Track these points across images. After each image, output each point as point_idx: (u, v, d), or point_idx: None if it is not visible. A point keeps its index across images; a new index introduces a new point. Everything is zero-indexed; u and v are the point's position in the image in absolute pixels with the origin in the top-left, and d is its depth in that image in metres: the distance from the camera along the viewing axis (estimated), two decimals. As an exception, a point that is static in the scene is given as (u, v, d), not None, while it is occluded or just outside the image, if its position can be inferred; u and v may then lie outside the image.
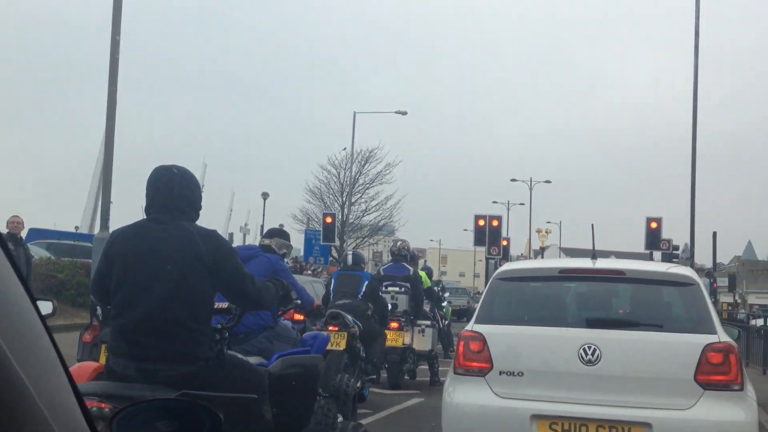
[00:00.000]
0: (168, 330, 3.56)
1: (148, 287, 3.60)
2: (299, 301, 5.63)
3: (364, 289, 9.32)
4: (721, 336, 5.04)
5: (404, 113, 37.84)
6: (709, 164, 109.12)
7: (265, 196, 42.28)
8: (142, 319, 3.57)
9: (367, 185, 43.23)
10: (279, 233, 6.73)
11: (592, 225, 6.07)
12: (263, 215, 41.39)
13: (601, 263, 5.69)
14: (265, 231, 7.10)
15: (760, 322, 20.44)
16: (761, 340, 17.71)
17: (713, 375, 4.90)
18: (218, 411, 1.49)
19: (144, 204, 3.85)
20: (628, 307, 5.84)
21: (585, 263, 5.79)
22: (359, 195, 43.08)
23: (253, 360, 4.36)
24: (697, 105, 23.66)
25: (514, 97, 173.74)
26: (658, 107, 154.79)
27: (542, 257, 42.88)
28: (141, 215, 4.00)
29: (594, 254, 5.81)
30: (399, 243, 12.17)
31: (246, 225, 45.23)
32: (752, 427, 4.90)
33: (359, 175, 42.65)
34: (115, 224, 13.29)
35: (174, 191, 3.75)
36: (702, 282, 5.58)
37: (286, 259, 6.73)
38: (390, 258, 12.28)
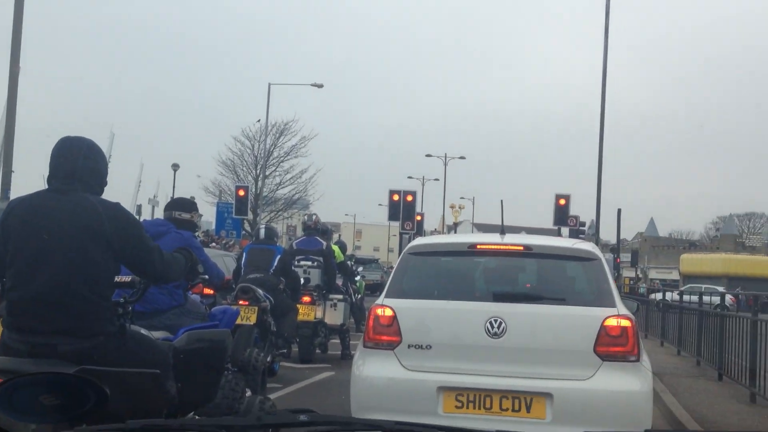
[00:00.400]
0: (65, 303, 3.45)
1: (45, 259, 3.48)
2: (207, 276, 5.54)
3: (276, 263, 9.25)
4: (620, 309, 5.23)
5: (320, 86, 37.53)
6: (615, 143, 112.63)
7: (175, 167, 41.33)
8: (39, 292, 3.44)
9: (282, 158, 42.86)
10: (182, 204, 6.35)
11: (501, 201, 6.18)
12: (173, 187, 40.48)
13: (509, 239, 5.79)
14: (170, 202, 6.70)
15: (659, 296, 21.33)
16: (660, 313, 18.53)
17: (611, 347, 5.08)
18: (110, 386, 1.45)
19: (46, 174, 3.71)
20: (533, 282, 5.97)
21: (493, 239, 5.89)
22: (273, 168, 42.67)
23: (159, 335, 4.27)
24: (606, 85, 24.36)
25: (431, 73, 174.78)
26: (570, 85, 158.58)
27: (455, 232, 43.51)
28: (43, 186, 3.85)
29: (502, 230, 5.91)
30: (314, 217, 12.12)
31: (155, 197, 44.06)
32: (647, 396, 5.13)
33: (274, 148, 42.21)
34: (15, 194, 12.75)
35: (78, 162, 3.64)
36: (604, 257, 5.76)
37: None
38: (303, 232, 12.21)
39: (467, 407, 5.03)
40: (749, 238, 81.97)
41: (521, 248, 5.73)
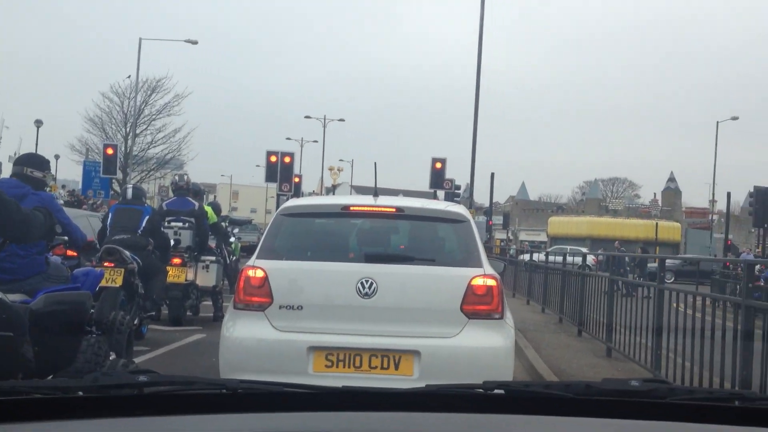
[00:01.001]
0: None
1: None
2: (66, 238, 5.28)
3: (144, 224, 8.95)
4: (487, 269, 5.39)
5: (195, 42, 36.29)
6: (490, 110, 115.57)
7: (38, 123, 39.13)
8: None
9: (154, 116, 41.35)
10: (35, 161, 5.83)
11: (375, 164, 6.19)
12: (36, 144, 38.36)
13: (382, 201, 5.83)
14: (21, 157, 6.14)
15: (527, 257, 22.18)
16: (527, 273, 19.33)
17: (477, 305, 5.25)
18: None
19: None
20: (405, 243, 6.06)
21: (366, 201, 5.91)
22: (145, 126, 41.15)
23: (15, 297, 4.06)
24: (482, 53, 24.86)
25: (311, 34, 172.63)
26: (449, 52, 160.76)
27: (334, 194, 43.56)
28: None
29: (376, 192, 5.95)
30: (185, 177, 11.78)
31: (16, 154, 41.58)
32: (509, 351, 5.34)
33: (145, 106, 40.66)
34: None
35: None
36: (479, 219, 5.90)
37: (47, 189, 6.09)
38: (173, 193, 11.84)
39: (337, 366, 5.08)
40: (612, 202, 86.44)
41: (393, 210, 5.78)
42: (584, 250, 29.89)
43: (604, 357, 9.58)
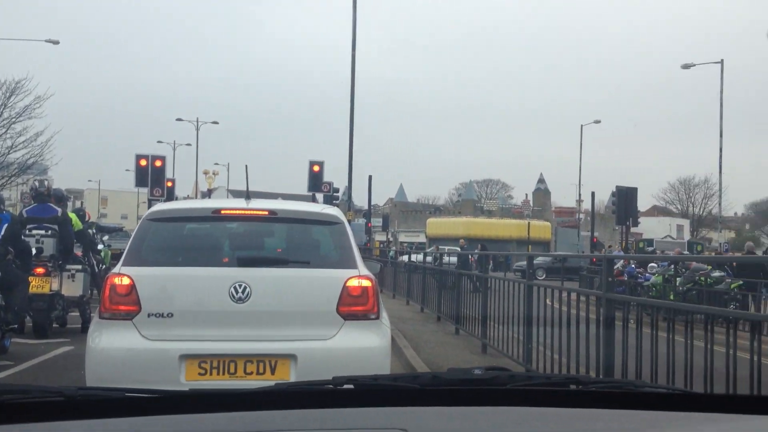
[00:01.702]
0: None
1: None
2: None
3: (3, 231, 8.45)
4: (362, 270, 5.41)
5: (56, 42, 34.65)
6: (367, 113, 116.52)
7: None
8: None
9: (13, 119, 39.10)
10: None
11: (246, 166, 6.10)
12: None
13: (255, 204, 5.75)
14: None
15: (407, 258, 22.49)
16: (406, 273, 19.58)
17: (353, 306, 5.26)
18: None
19: None
20: (280, 246, 6.00)
21: (238, 204, 5.82)
22: (4, 130, 38.83)
23: None
24: (356, 58, 25.01)
25: (181, 35, 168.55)
26: (324, 55, 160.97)
27: (210, 198, 42.64)
28: None
29: (248, 195, 5.86)
30: (46, 182, 11.20)
31: None
32: (385, 351, 5.38)
33: (3, 109, 38.37)
34: None
35: None
36: (357, 222, 5.91)
37: None
38: (33, 199, 11.21)
39: (211, 374, 4.96)
40: (486, 202, 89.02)
41: (266, 213, 5.70)
42: (460, 250, 30.65)
43: (480, 353, 9.83)
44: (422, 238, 69.52)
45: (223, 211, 5.72)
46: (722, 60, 35.47)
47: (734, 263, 18.91)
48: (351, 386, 1.71)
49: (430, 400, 1.64)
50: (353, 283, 5.29)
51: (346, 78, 25.16)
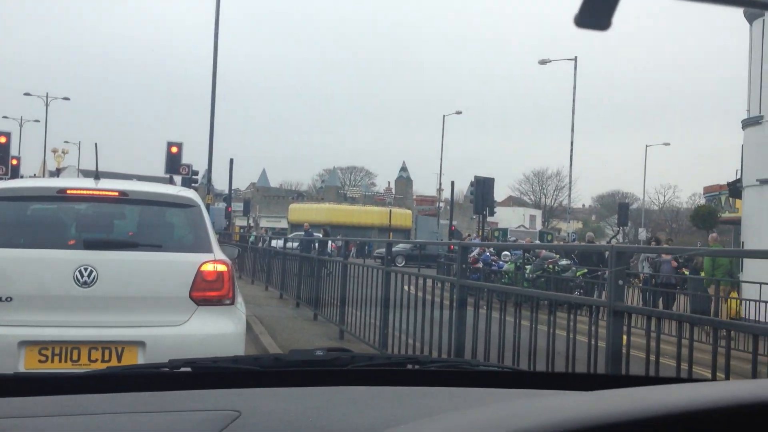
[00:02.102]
0: None
1: None
2: None
3: None
4: (217, 255, 5.30)
5: None
6: (229, 94, 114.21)
7: None
8: None
9: None
10: None
11: (96, 144, 5.84)
12: None
13: (104, 184, 5.51)
14: None
15: (271, 243, 22.29)
16: (266, 259, 19.42)
17: (207, 291, 5.15)
18: None
19: None
20: (132, 229, 5.79)
21: (87, 183, 5.56)
22: None
23: None
24: (218, 35, 24.45)
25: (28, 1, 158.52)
26: (185, 31, 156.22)
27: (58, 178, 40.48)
28: None
29: (97, 174, 5.61)
30: None
31: None
32: (239, 337, 5.31)
33: None
34: None
35: None
36: (203, 204, 5.77)
37: None
38: None
39: (52, 361, 4.74)
40: (350, 189, 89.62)
41: (117, 194, 5.48)
42: (304, 234, 30.75)
43: (337, 339, 9.90)
44: (284, 224, 69.17)
45: (69, 191, 5.45)
46: (576, 57, 37.33)
47: (576, 252, 19.99)
48: (188, 369, 1.68)
49: (270, 382, 1.64)
50: (208, 267, 5.18)
51: (209, 59, 24.56)
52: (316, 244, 14.54)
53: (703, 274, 15.43)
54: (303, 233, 26.26)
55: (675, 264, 16.81)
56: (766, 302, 10.70)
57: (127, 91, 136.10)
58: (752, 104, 17.41)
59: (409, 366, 1.88)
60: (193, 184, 26.26)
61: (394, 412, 1.35)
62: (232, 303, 5.30)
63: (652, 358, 4.28)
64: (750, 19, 17.48)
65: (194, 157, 58.32)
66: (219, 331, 5.13)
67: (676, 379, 1.82)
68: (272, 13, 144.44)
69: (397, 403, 1.43)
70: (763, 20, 16.70)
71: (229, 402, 1.39)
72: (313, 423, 1.30)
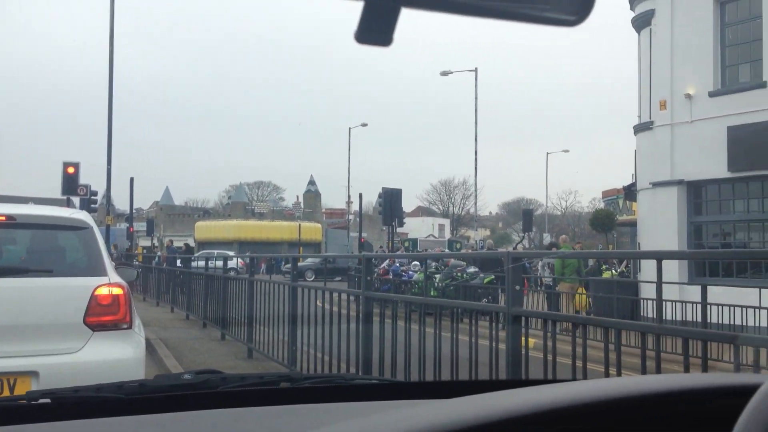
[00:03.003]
0: None
1: None
2: None
3: None
4: (112, 278, 5.14)
5: None
6: (128, 113, 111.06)
7: None
8: None
9: None
10: None
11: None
12: None
13: (-9, 207, 5.27)
14: None
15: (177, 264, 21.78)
16: (170, 280, 18.93)
17: (102, 316, 4.98)
18: None
19: None
20: (21, 254, 5.56)
21: (-29, 208, 5.30)
22: None
23: None
24: (114, 53, 23.83)
25: None
26: (80, 47, 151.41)
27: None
28: None
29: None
30: None
31: None
32: (139, 362, 5.15)
33: None
34: None
35: None
36: (95, 226, 5.58)
37: None
38: None
39: (-62, 396, 4.46)
40: (258, 205, 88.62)
41: (4, 219, 5.25)
42: (231, 253, 30.25)
43: (245, 359, 9.74)
44: (191, 243, 67.78)
45: (-51, 216, 5.17)
46: (476, 68, 38.22)
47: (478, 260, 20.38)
48: (47, 400, 1.61)
49: (136, 409, 1.59)
50: (103, 291, 5.02)
51: (105, 77, 23.89)
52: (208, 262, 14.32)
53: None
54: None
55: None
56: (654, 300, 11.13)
57: (23, 112, 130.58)
58: (642, 110, 18.17)
59: (282, 384, 1.87)
60: (92, 205, 25.41)
61: None
62: (130, 327, 5.14)
63: (551, 358, 4.39)
64: (638, 28, 18.28)
65: (94, 178, 56.64)
66: (116, 357, 4.96)
67: (552, 381, 1.87)
68: (171, 31, 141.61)
69: (267, 423, 1.41)
70: (650, 29, 17.48)
71: None
72: None
